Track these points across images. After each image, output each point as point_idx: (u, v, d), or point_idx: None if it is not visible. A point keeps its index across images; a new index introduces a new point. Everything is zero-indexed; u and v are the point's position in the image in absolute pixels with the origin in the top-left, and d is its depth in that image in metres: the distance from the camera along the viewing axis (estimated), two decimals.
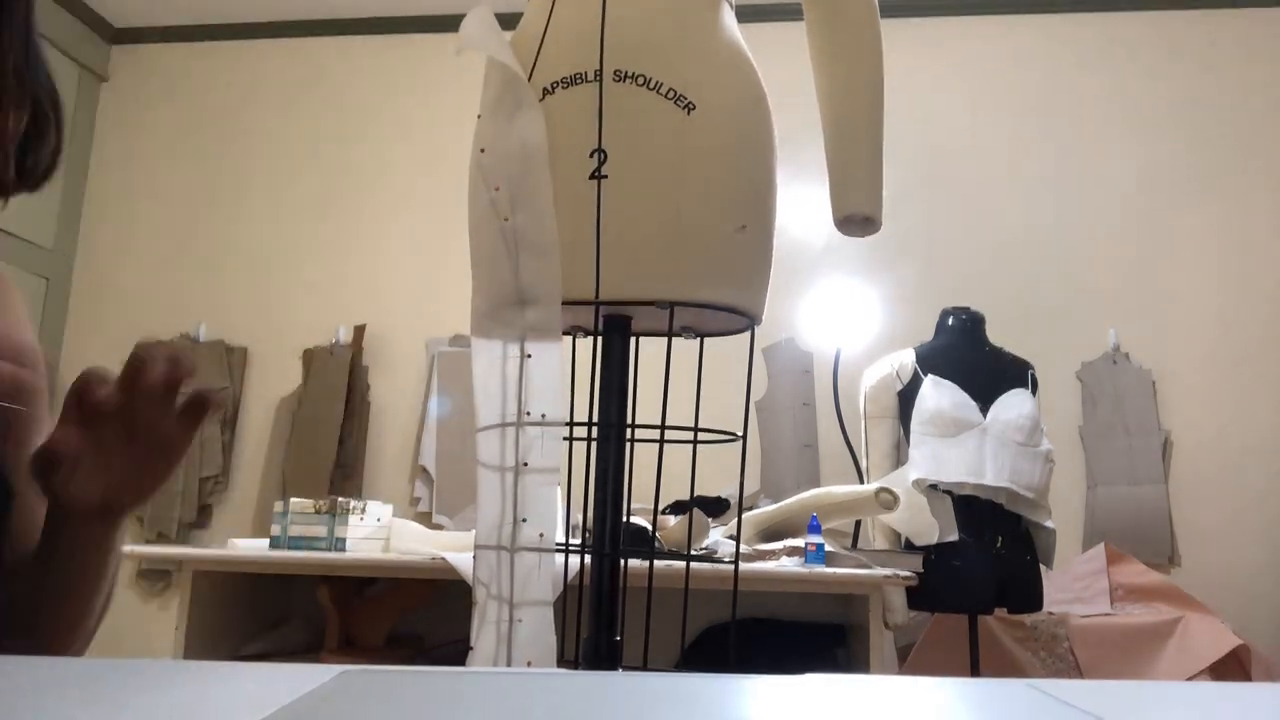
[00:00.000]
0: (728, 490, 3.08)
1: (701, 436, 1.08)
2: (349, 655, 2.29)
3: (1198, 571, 3.15)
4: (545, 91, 1.04)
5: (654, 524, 1.26)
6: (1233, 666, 2.51)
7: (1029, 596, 2.38)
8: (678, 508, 2.68)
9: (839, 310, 3.39)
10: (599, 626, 1.03)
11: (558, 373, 0.99)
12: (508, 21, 1.09)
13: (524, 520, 0.96)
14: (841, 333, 3.32)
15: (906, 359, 2.57)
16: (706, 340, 1.22)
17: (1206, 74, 3.59)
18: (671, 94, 1.02)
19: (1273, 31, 3.60)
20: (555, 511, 0.98)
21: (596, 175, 1.01)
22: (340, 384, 3.64)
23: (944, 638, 2.69)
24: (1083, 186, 3.57)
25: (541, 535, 0.96)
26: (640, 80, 1.02)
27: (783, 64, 3.80)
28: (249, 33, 4.08)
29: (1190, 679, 2.41)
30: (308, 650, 2.41)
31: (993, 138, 3.66)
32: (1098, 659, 2.57)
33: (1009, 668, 2.57)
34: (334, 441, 3.56)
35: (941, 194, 3.62)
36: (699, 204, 1.04)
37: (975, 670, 2.43)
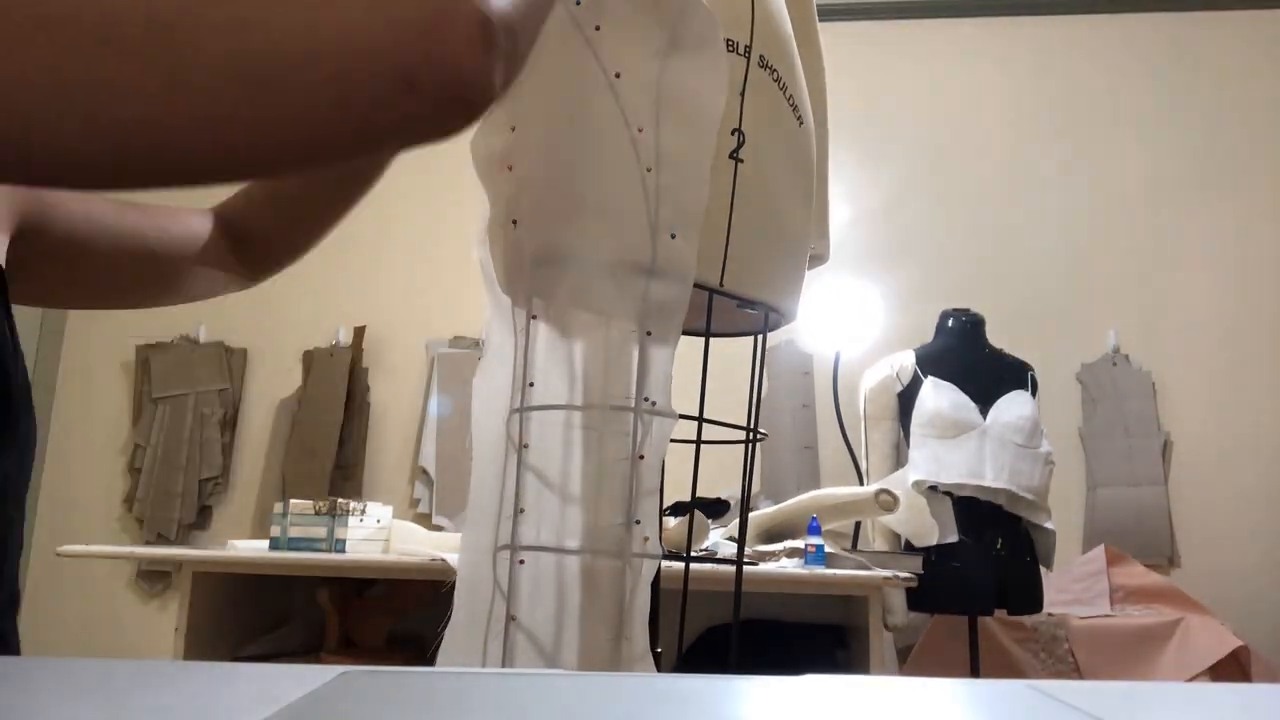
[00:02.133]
0: (728, 492, 3.08)
1: (708, 434, 1.02)
2: (349, 656, 2.29)
3: (1197, 573, 3.15)
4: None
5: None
6: (1232, 668, 2.51)
7: (1029, 598, 2.38)
8: (678, 509, 2.68)
9: (839, 312, 3.39)
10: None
11: (671, 360, 0.87)
12: None
13: (637, 522, 0.83)
14: (841, 334, 3.32)
15: (906, 360, 2.57)
16: (716, 340, 1.20)
17: (1208, 77, 3.60)
18: (791, 101, 0.99)
19: (1274, 34, 3.60)
20: (658, 513, 0.86)
21: (735, 156, 0.94)
22: (340, 385, 3.64)
23: (944, 639, 2.69)
24: (1083, 188, 3.57)
25: (647, 540, 0.84)
26: (774, 76, 0.97)
27: None
28: None
29: (1190, 680, 2.41)
30: (307, 651, 2.41)
31: (993, 140, 3.66)
32: (1098, 660, 2.57)
33: (1009, 669, 2.57)
34: (334, 443, 3.56)
35: (942, 196, 3.62)
36: (801, 218, 1.03)
37: (975, 671, 2.43)
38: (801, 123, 1.01)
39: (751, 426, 1.04)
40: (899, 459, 2.58)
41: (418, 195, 3.79)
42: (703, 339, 1.04)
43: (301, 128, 0.34)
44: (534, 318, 0.85)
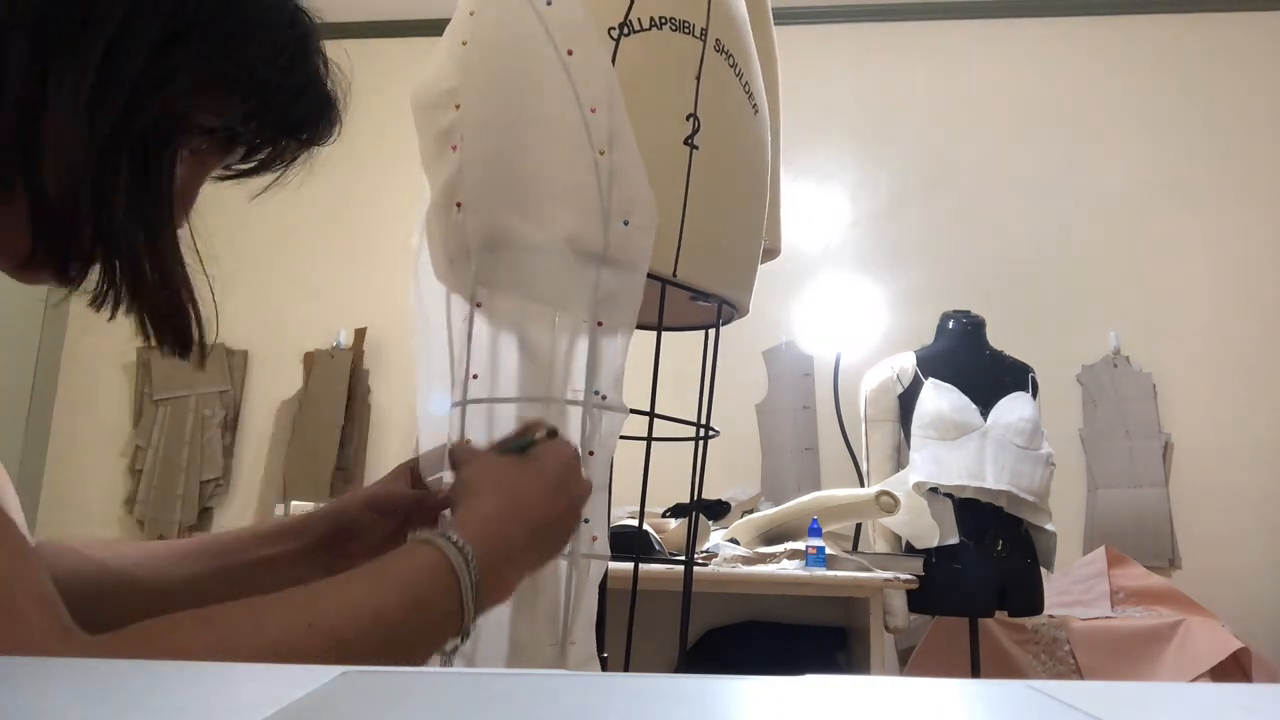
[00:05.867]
0: (729, 494, 3.08)
1: (658, 431, 0.97)
2: None
3: (1198, 574, 3.15)
4: (651, 22, 0.88)
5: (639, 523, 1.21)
6: (1233, 670, 2.51)
7: (1030, 599, 2.38)
8: (678, 511, 2.68)
9: (839, 313, 3.39)
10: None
11: (624, 352, 0.82)
12: None
13: (585, 520, 0.77)
14: (842, 336, 3.32)
15: (907, 362, 2.57)
16: (684, 336, 1.16)
17: (1208, 78, 3.60)
18: (747, 88, 0.96)
19: (1275, 35, 3.60)
20: (606, 512, 0.82)
21: (690, 142, 0.89)
22: (341, 387, 3.64)
23: (945, 641, 2.69)
24: (1083, 190, 3.57)
25: (595, 539, 0.79)
26: (730, 61, 0.94)
27: (786, 69, 3.80)
28: None
29: (1191, 682, 2.41)
30: None
31: (994, 141, 3.66)
32: (1098, 662, 2.57)
33: (1009, 671, 2.57)
34: (334, 444, 3.56)
35: (942, 197, 3.62)
36: (757, 208, 0.99)
37: (976, 673, 2.43)
38: (757, 111, 0.98)
39: (702, 423, 0.98)
40: (900, 461, 2.57)
41: (419, 196, 3.79)
42: (653, 333, 0.99)
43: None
44: (478, 305, 0.81)
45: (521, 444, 0.69)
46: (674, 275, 0.88)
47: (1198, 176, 3.52)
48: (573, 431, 0.79)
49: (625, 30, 0.86)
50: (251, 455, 3.73)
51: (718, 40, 0.92)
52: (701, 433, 0.98)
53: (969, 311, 2.61)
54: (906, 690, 0.33)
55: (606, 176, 0.80)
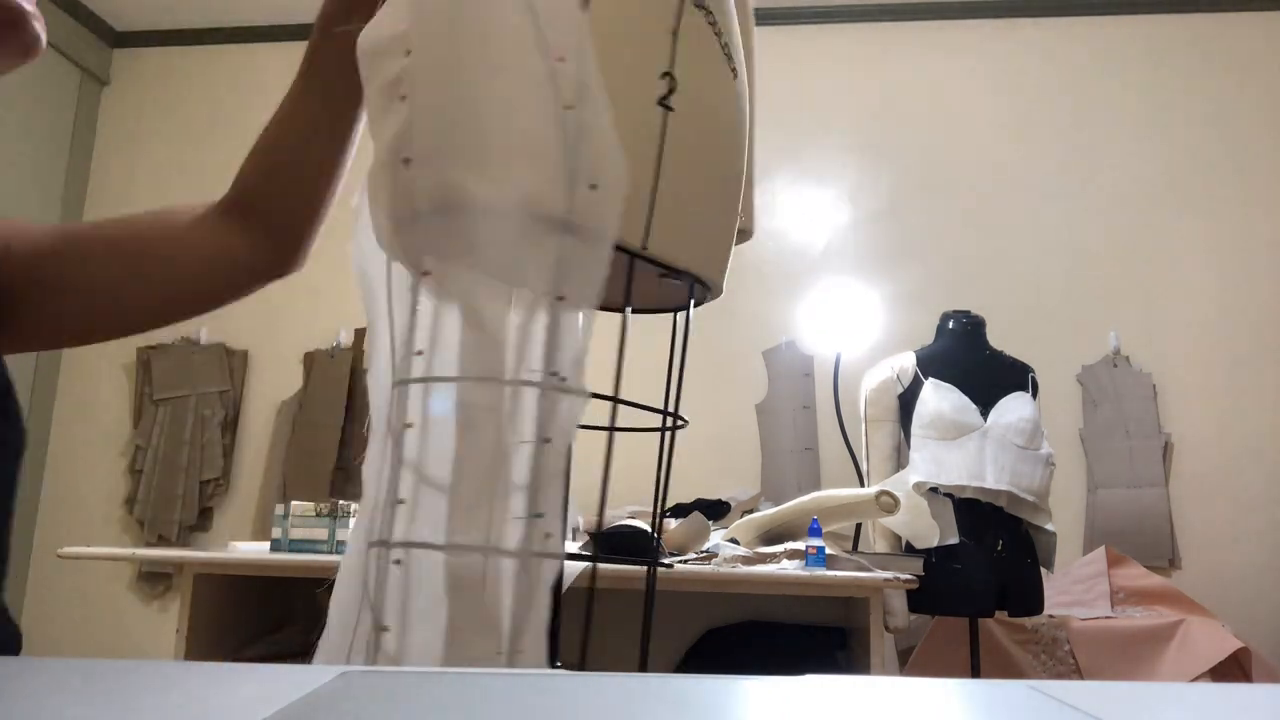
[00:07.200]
0: (729, 494, 3.08)
1: (622, 421, 0.86)
2: None
3: (1198, 574, 3.15)
4: None
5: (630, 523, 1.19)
6: (1233, 670, 2.51)
7: (1030, 599, 2.38)
8: (678, 511, 2.68)
9: (839, 313, 3.39)
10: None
11: (588, 330, 0.74)
12: None
13: (539, 515, 0.70)
14: (842, 336, 3.32)
15: (907, 362, 2.57)
16: (661, 320, 1.05)
17: (1208, 78, 3.60)
18: (726, 50, 0.89)
19: (1275, 35, 3.60)
20: (565, 507, 0.73)
21: (664, 103, 0.81)
22: (341, 387, 3.64)
23: (945, 641, 2.69)
24: (1083, 190, 3.57)
25: (549, 537, 0.71)
26: (709, 19, 0.86)
27: (787, 70, 3.81)
28: (250, 36, 4.09)
29: (1191, 682, 2.41)
30: (308, 653, 2.41)
31: (994, 141, 3.66)
32: (1098, 662, 2.57)
33: (1010, 671, 2.57)
34: (335, 444, 3.56)
35: (942, 197, 3.62)
36: (732, 179, 0.90)
37: (976, 673, 2.43)
38: (736, 75, 0.90)
39: (669, 411, 0.90)
40: (899, 461, 2.57)
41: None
42: (616, 314, 0.90)
43: None
44: (426, 274, 0.72)
45: None
46: (644, 248, 0.79)
47: (1198, 177, 3.52)
48: (527, 416, 0.71)
49: None
50: (251, 455, 3.73)
51: None
52: (669, 422, 0.90)
53: (969, 311, 2.61)
54: (906, 690, 0.33)
55: (573, 133, 0.71)
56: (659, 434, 0.91)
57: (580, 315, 0.73)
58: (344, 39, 0.76)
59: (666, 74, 0.81)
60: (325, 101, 0.81)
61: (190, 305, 0.79)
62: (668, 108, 0.81)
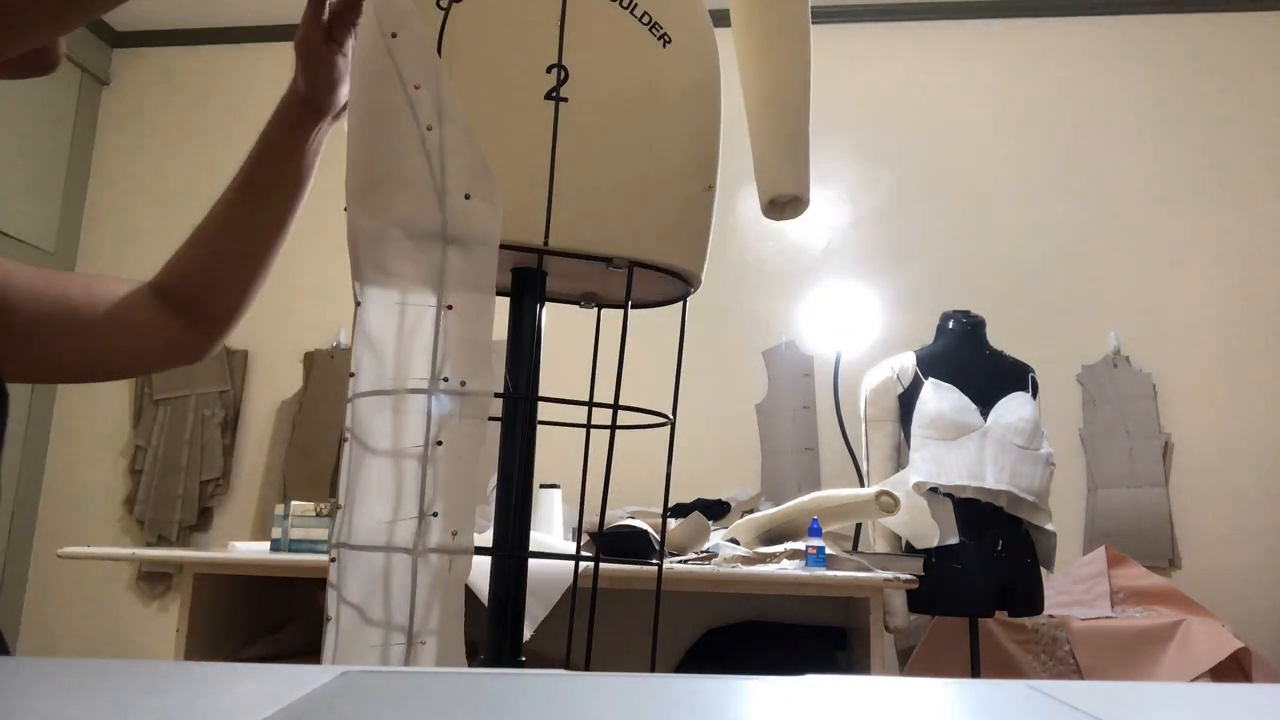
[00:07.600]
0: (730, 494, 3.08)
1: (624, 420, 0.91)
2: None
3: (1198, 574, 3.15)
4: None
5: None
6: (1233, 670, 2.51)
7: (1030, 599, 2.38)
8: (679, 511, 2.68)
9: (839, 313, 3.39)
10: (501, 636, 0.88)
11: (486, 332, 0.79)
12: None
13: (434, 515, 0.77)
14: (842, 336, 3.32)
15: (907, 362, 2.57)
16: (677, 321, 1.10)
17: (1208, 77, 3.60)
18: (647, 19, 0.89)
19: (1274, 35, 3.60)
20: (472, 505, 0.79)
21: (554, 95, 0.85)
22: (341, 387, 3.64)
23: (945, 641, 2.69)
24: (1083, 190, 3.57)
25: (455, 534, 0.77)
26: None
27: None
28: (250, 36, 4.09)
29: (1191, 682, 2.41)
30: (308, 654, 2.41)
31: (994, 141, 3.66)
32: (1098, 662, 2.57)
33: (1010, 671, 2.57)
34: (335, 444, 3.56)
35: (942, 197, 3.62)
36: (673, 152, 0.90)
37: (976, 673, 2.43)
38: (668, 42, 0.90)
39: (592, 401, 0.92)
40: (899, 461, 2.58)
41: None
42: (636, 313, 0.93)
43: None
44: (358, 304, 0.81)
45: None
46: (545, 243, 0.83)
47: (1198, 177, 3.52)
48: (415, 421, 0.79)
49: None
50: (251, 455, 3.73)
51: None
52: (613, 417, 0.93)
53: (969, 311, 2.61)
54: (906, 690, 0.33)
55: (437, 152, 0.79)
56: (650, 434, 0.94)
57: (475, 319, 0.80)
58: (299, 135, 0.89)
59: (554, 66, 0.85)
60: (264, 205, 0.88)
61: (119, 368, 0.87)
62: (559, 99, 0.84)
